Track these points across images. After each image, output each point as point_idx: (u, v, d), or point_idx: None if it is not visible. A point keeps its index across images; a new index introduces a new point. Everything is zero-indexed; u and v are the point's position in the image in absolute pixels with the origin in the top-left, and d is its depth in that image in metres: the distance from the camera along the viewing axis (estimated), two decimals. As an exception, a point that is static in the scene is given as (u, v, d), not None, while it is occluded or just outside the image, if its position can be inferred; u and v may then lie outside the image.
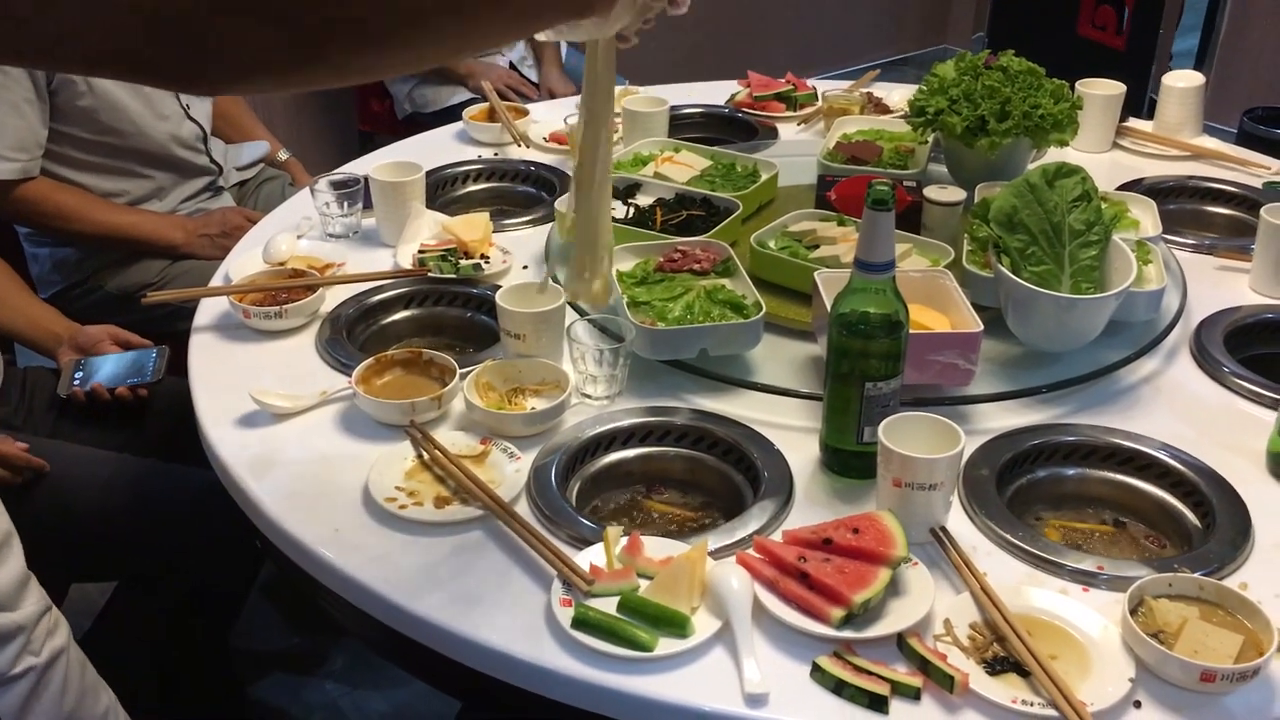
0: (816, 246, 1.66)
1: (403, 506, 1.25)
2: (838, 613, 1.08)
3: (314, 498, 1.29)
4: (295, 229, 1.86)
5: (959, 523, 1.24)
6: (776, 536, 1.20)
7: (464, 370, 1.44)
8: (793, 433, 1.38)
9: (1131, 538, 1.30)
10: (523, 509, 1.26)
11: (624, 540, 1.18)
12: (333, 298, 1.65)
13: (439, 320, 1.68)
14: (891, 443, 1.18)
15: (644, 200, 1.81)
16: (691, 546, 1.16)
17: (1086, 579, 1.17)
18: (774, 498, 1.26)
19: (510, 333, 1.45)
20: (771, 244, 1.67)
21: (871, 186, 1.19)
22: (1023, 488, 1.33)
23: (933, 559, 1.19)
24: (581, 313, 1.54)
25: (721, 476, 1.35)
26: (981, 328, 1.38)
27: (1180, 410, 1.44)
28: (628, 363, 1.43)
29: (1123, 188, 1.95)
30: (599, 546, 1.18)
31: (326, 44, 0.75)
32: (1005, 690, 1.03)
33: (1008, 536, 1.21)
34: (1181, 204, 2.00)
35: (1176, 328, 1.56)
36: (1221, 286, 1.72)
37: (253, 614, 2.17)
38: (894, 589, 1.12)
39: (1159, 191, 1.97)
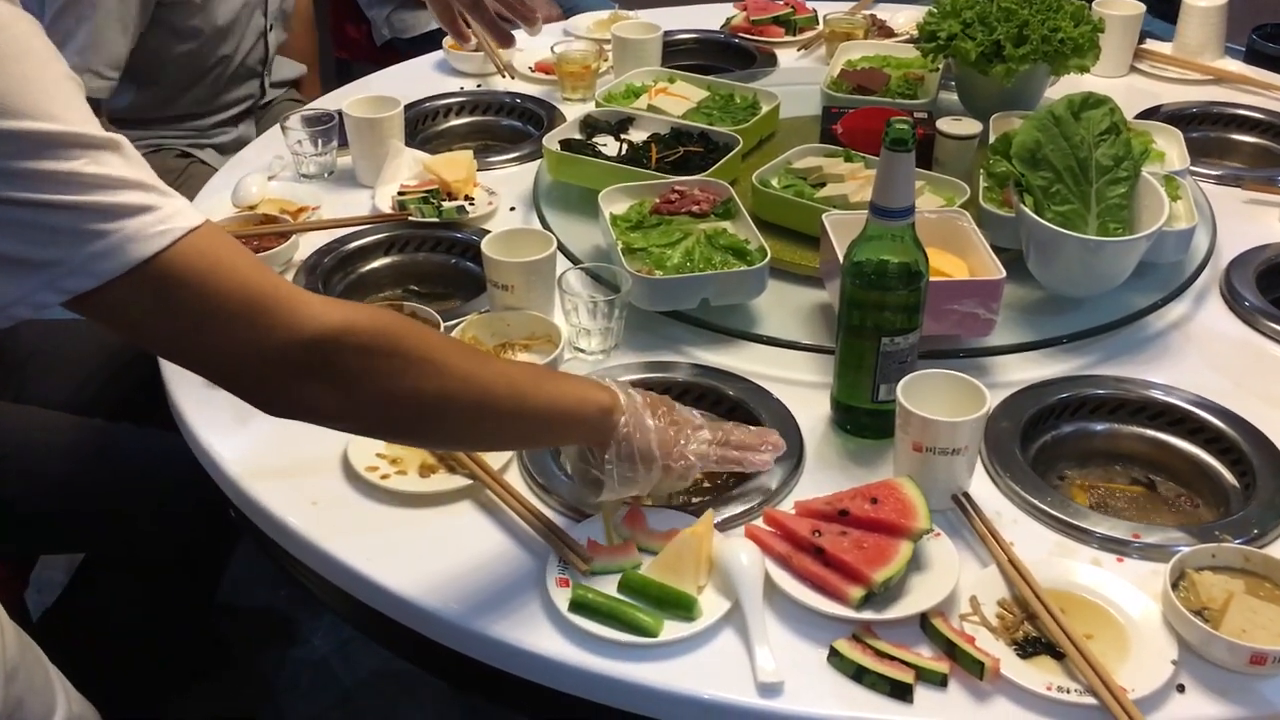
0: (822, 184, 1.55)
1: (385, 476, 1.16)
2: (856, 592, 1.00)
3: (290, 468, 1.20)
4: (266, 169, 1.75)
5: (981, 485, 1.16)
6: (788, 505, 1.12)
7: (448, 324, 1.35)
8: (801, 388, 1.29)
9: (1163, 498, 1.22)
10: (514, 476, 1.17)
11: (623, 511, 1.10)
12: (307, 244, 1.55)
13: (421, 267, 1.58)
14: (911, 404, 1.09)
15: (637, 136, 1.70)
16: (697, 519, 1.07)
17: (1120, 548, 1.09)
18: (783, 462, 1.17)
19: (497, 283, 1.35)
20: (774, 182, 1.57)
21: (890, 125, 1.09)
22: (1047, 445, 1.25)
23: (954, 526, 1.11)
24: (575, 261, 1.44)
25: (726, 437, 1.26)
26: (1004, 275, 1.28)
27: (1212, 358, 1.35)
28: (623, 314, 1.33)
29: (1142, 116, 1.85)
30: (597, 519, 1.09)
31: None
32: (1039, 675, 0.95)
33: (1034, 501, 1.13)
34: (1205, 132, 1.89)
35: (1206, 268, 1.47)
36: (1250, 221, 1.62)
37: (236, 567, 2.09)
38: (915, 563, 1.04)
39: (1180, 119, 1.87)
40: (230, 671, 2.02)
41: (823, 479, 1.17)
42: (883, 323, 1.16)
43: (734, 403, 1.26)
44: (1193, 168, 1.67)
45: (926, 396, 1.11)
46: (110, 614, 1.75)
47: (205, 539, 1.76)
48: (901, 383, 1.12)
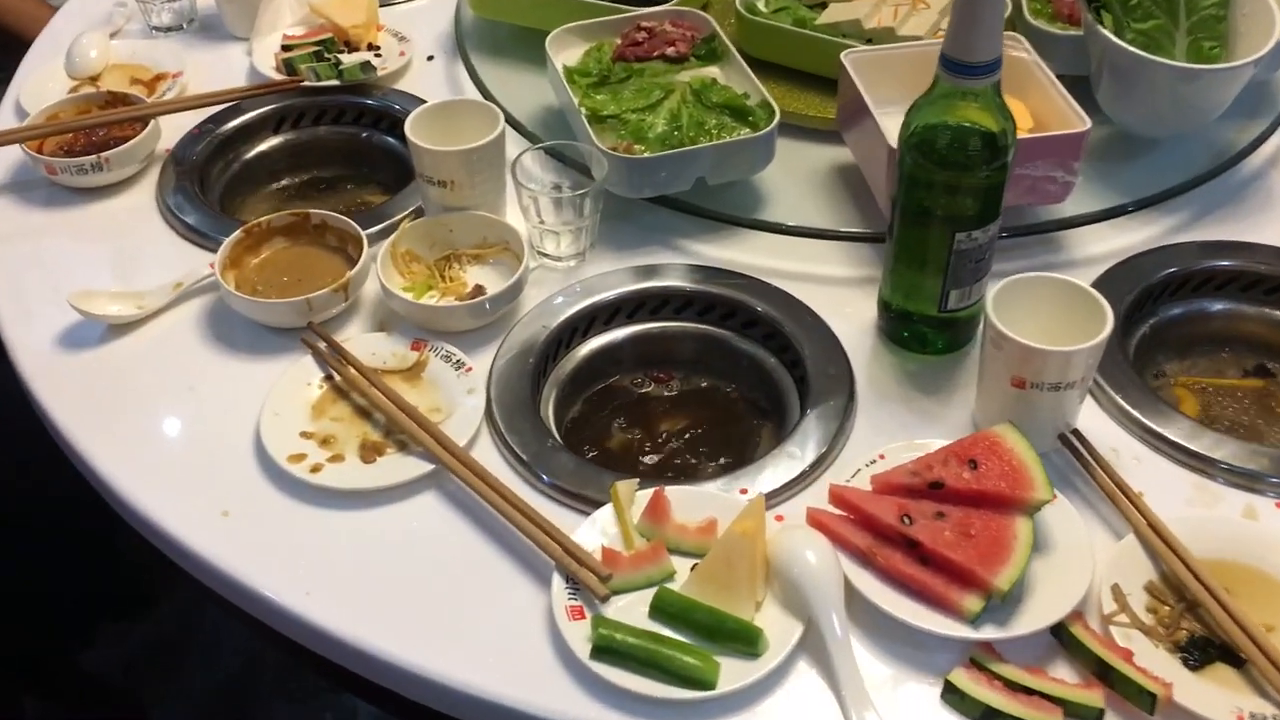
0: (823, 5, 1.23)
1: (315, 468, 0.87)
2: (974, 603, 0.75)
3: (187, 463, 0.90)
4: (107, 23, 1.38)
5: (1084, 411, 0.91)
6: (845, 463, 0.86)
7: (371, 230, 1.04)
8: (829, 287, 1.02)
9: (1287, 393, 0.99)
10: (486, 451, 0.89)
11: (643, 500, 0.83)
12: (172, 129, 1.20)
13: (325, 145, 1.25)
14: (1007, 324, 0.83)
15: (580, -49, 1.35)
16: (746, 503, 0.81)
17: (1275, 489, 0.85)
18: (829, 400, 0.91)
19: (432, 179, 1.03)
20: (762, 6, 1.25)
21: (975, -54, 0.78)
22: (1145, 338, 1.00)
23: (1062, 473, 0.86)
24: (525, 134, 1.13)
25: (747, 360, 0.99)
26: (1089, 125, 1.00)
27: (1326, 205, 1.10)
28: (599, 206, 1.03)
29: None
30: (608, 513, 0.83)
31: None
32: (1222, 696, 0.72)
33: (1160, 430, 0.88)
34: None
35: (1299, 86, 1.20)
36: (1327, 15, 1.34)
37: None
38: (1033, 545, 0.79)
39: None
40: (146, 610, 1.78)
41: (883, 416, 0.91)
42: (957, 212, 0.88)
43: (754, 316, 0.99)
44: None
45: (1019, 309, 0.84)
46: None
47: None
48: (992, 293, 0.85)
